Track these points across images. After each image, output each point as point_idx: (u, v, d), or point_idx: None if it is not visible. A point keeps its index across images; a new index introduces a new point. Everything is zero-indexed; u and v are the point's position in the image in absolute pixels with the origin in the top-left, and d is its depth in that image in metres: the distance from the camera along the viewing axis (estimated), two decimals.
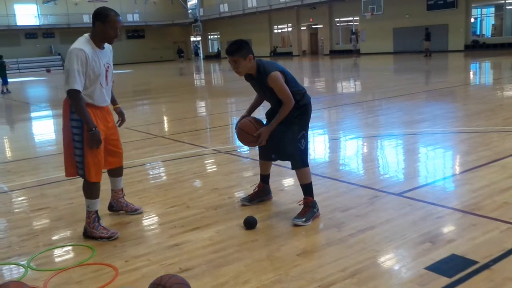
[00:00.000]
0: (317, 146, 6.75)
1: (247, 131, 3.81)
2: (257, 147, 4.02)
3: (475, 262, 2.90)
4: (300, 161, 3.75)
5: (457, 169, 4.86)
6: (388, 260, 3.03)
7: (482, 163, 5.00)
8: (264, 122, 3.89)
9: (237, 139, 3.99)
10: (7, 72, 20.34)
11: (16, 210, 4.49)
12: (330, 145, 6.69)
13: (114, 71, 3.81)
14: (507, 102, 9.75)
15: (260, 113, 4.09)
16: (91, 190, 3.61)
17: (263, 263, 3.08)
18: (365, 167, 5.41)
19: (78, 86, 3.36)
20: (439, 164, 5.39)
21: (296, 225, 3.61)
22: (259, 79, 3.69)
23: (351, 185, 4.60)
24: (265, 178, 4.17)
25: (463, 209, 3.76)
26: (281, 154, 3.87)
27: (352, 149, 6.47)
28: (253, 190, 4.21)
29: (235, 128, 3.92)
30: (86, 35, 3.53)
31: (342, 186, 4.59)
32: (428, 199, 4.07)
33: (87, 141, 3.44)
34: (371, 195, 4.25)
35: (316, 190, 4.41)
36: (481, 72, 18.73)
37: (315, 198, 4.12)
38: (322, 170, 5.20)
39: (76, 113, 3.42)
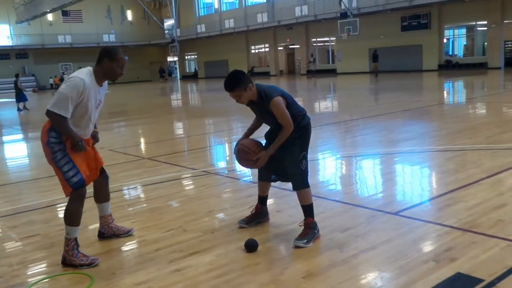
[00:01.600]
0: (310, 166, 6.73)
1: (246, 156, 3.78)
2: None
3: (480, 280, 2.91)
4: (301, 182, 3.74)
5: (449, 187, 4.91)
6: (394, 280, 3.01)
7: (472, 181, 5.07)
8: (264, 143, 3.88)
9: (236, 161, 3.96)
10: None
11: (3, 238, 4.33)
12: (321, 165, 6.70)
13: None
14: (486, 121, 9.97)
15: (260, 133, 4.07)
16: (72, 214, 3.52)
17: (269, 287, 3.03)
18: (358, 186, 5.42)
19: (68, 114, 3.41)
20: (430, 182, 5.45)
21: (297, 247, 3.57)
22: (260, 104, 3.68)
23: (347, 205, 4.60)
24: (263, 200, 4.14)
25: (461, 227, 3.79)
26: (282, 175, 3.86)
27: (342, 169, 6.49)
28: (251, 212, 4.16)
29: (234, 151, 3.89)
30: (90, 68, 3.55)
31: (337, 206, 4.58)
32: (425, 217, 4.10)
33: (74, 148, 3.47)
34: (368, 214, 4.25)
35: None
36: (456, 91, 19.18)
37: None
38: (317, 190, 5.18)
39: (62, 132, 3.42)
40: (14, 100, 21.24)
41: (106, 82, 3.71)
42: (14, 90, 20.90)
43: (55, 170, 3.54)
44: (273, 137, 3.73)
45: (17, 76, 21.57)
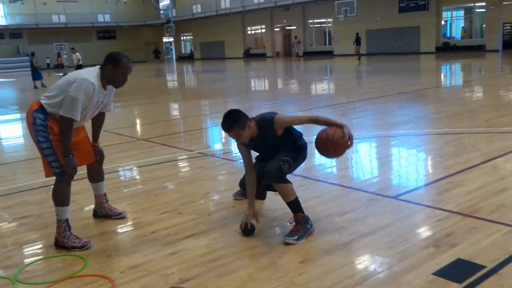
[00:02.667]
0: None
1: (340, 143, 3.51)
2: None
3: (482, 267, 2.86)
4: (276, 176, 3.47)
5: (449, 171, 4.85)
6: (394, 265, 2.96)
7: (472, 165, 5.02)
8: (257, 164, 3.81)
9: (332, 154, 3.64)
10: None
11: None
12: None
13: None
14: (485, 104, 9.90)
15: None
16: (60, 195, 3.46)
17: (266, 271, 2.98)
18: (356, 169, 5.36)
19: (78, 117, 3.34)
20: (429, 165, 5.40)
21: (287, 244, 3.34)
22: (263, 136, 3.52)
23: (345, 188, 4.55)
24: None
25: (462, 212, 3.74)
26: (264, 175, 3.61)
27: None
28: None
29: (320, 145, 3.58)
30: (98, 69, 3.46)
31: (335, 190, 4.52)
32: (425, 201, 4.04)
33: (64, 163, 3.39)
34: (366, 198, 4.19)
35: (310, 194, 4.37)
36: (453, 74, 19.09)
37: (311, 201, 4.07)
38: (313, 173, 5.13)
39: (60, 138, 3.35)
40: (31, 77, 21.95)
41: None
42: (30, 69, 21.86)
43: (38, 150, 3.49)
44: (268, 159, 3.63)
45: (32, 54, 22.39)
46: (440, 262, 2.94)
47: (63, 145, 3.35)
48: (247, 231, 3.51)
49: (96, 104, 3.51)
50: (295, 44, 35.68)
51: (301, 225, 3.45)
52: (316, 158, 6.02)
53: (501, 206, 3.81)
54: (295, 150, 3.64)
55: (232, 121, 3.41)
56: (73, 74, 3.45)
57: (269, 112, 3.66)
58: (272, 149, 3.60)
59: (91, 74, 3.41)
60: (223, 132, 3.92)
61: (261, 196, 4.07)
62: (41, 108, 3.43)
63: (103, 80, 3.46)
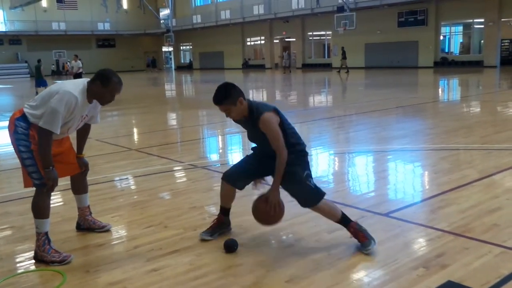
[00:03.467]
0: None
1: (264, 217, 3.42)
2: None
3: None
4: (315, 197, 3.39)
5: (442, 188, 4.76)
6: (383, 287, 2.85)
7: (466, 182, 4.93)
8: (253, 157, 3.63)
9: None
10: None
11: None
12: (313, 161, 6.50)
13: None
14: (482, 120, 9.83)
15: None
16: (40, 207, 3.36)
17: None
18: (347, 185, 5.27)
19: (57, 130, 3.25)
20: (423, 182, 5.31)
21: (369, 253, 3.27)
22: (251, 121, 3.35)
23: (336, 204, 4.42)
24: (226, 211, 3.75)
25: (454, 231, 3.64)
26: (299, 200, 3.48)
27: (332, 166, 6.34)
28: (212, 221, 3.78)
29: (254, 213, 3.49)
30: (85, 82, 3.37)
31: None
32: (416, 220, 3.94)
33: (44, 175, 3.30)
34: (357, 215, 4.08)
35: (300, 209, 4.19)
36: (451, 89, 19.06)
37: (299, 218, 3.99)
38: None
39: (39, 149, 3.27)
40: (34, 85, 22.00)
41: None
42: (29, 75, 22.06)
43: (19, 160, 3.39)
44: (263, 155, 3.48)
45: (39, 61, 22.13)
46: (429, 285, 2.83)
47: (42, 156, 3.26)
48: (229, 247, 3.39)
49: (79, 118, 3.42)
50: (285, 57, 35.18)
51: (363, 232, 3.38)
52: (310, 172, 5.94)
53: (494, 225, 3.72)
54: (299, 160, 3.39)
55: (224, 95, 3.26)
56: (57, 85, 3.36)
57: (267, 104, 3.41)
58: (267, 148, 3.35)
59: (76, 87, 3.31)
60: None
61: (227, 228, 3.82)
62: (23, 117, 3.35)
63: (89, 94, 3.36)
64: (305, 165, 3.43)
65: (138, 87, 26.98)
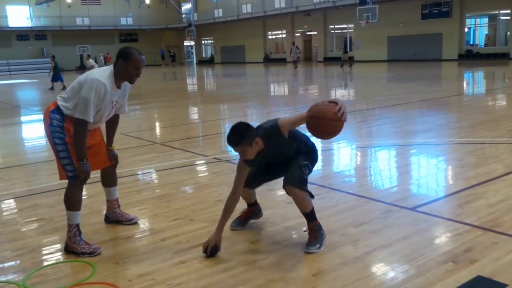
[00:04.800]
0: (323, 156, 6.57)
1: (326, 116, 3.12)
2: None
3: (503, 285, 2.72)
4: (298, 180, 3.31)
5: (470, 182, 4.69)
6: (410, 281, 2.83)
7: (494, 176, 4.85)
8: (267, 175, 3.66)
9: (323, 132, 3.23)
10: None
11: (8, 222, 4.24)
12: (336, 155, 6.52)
13: None
14: (509, 113, 9.64)
15: None
16: (72, 199, 3.43)
17: (277, 284, 2.88)
18: (373, 179, 5.23)
19: (91, 118, 3.30)
20: (449, 176, 5.24)
21: (309, 253, 3.26)
22: (273, 145, 3.28)
23: (361, 198, 4.42)
24: (253, 204, 3.81)
25: (482, 226, 3.59)
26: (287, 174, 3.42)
27: (358, 160, 6.30)
28: (242, 211, 3.83)
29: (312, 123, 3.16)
30: (112, 67, 3.42)
31: (351, 199, 4.41)
32: (444, 214, 3.90)
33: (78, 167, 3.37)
34: (383, 209, 4.07)
35: (325, 203, 4.27)
36: (476, 82, 18.73)
37: (325, 211, 3.99)
38: (330, 181, 5.02)
39: (75, 140, 3.33)
40: (50, 79, 22.44)
41: (127, 83, 3.56)
42: (52, 70, 22.38)
43: (54, 152, 3.46)
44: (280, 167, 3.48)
45: (53, 57, 22.64)
46: (458, 280, 2.81)
47: (77, 148, 3.32)
48: (209, 253, 3.28)
49: (110, 104, 3.46)
50: (293, 50, 32.26)
51: (317, 233, 3.36)
52: (333, 166, 5.93)
53: None
54: (308, 152, 3.46)
55: (240, 137, 3.18)
56: (85, 75, 3.42)
57: (268, 120, 3.38)
58: (284, 156, 3.42)
59: (102, 73, 3.37)
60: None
61: (258, 214, 3.87)
62: (58, 109, 3.41)
63: (117, 77, 3.41)
64: (311, 158, 3.46)
65: (160, 81, 27.22)
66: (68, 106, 3.37)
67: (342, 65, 30.70)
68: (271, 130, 3.27)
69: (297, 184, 3.31)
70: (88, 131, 3.39)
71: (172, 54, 51.11)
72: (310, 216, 3.41)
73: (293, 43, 35.24)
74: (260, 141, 3.22)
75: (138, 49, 3.45)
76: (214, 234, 3.36)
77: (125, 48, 3.46)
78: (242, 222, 3.81)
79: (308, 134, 3.34)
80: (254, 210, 3.83)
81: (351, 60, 31.17)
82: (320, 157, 6.14)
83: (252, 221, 3.86)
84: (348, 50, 31.54)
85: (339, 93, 16.17)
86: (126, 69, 3.38)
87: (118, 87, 3.48)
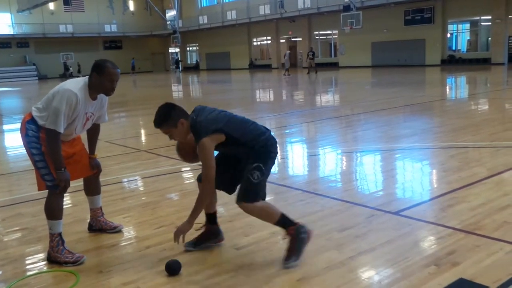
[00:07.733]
0: (307, 161, 6.61)
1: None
2: None
3: (485, 287, 2.76)
4: (242, 194, 3.13)
5: (452, 186, 4.75)
6: (395, 285, 2.85)
7: (476, 180, 4.92)
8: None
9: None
10: None
11: None
12: (321, 161, 6.55)
13: None
14: (490, 118, 9.78)
15: None
16: (53, 208, 3.39)
17: None
18: (358, 184, 5.27)
19: (61, 129, 3.26)
20: (432, 180, 5.30)
21: (290, 267, 3.13)
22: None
23: (346, 203, 4.45)
24: (212, 218, 3.52)
25: (464, 229, 3.64)
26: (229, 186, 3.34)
27: (343, 165, 6.34)
28: (200, 228, 3.52)
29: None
30: (86, 79, 3.37)
31: (336, 204, 4.43)
32: (427, 218, 3.95)
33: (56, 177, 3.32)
34: (367, 214, 4.10)
35: (310, 208, 4.29)
36: (459, 87, 18.98)
37: (310, 217, 4.00)
38: (315, 187, 5.05)
39: (49, 151, 3.30)
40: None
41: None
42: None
43: (32, 163, 3.43)
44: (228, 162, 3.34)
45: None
46: (441, 282, 2.84)
47: (52, 158, 3.30)
48: (171, 270, 3.11)
49: (84, 116, 3.42)
50: (286, 57, 31.90)
51: (295, 240, 3.18)
52: (319, 171, 5.96)
53: (504, 223, 3.71)
54: (258, 154, 3.15)
55: (162, 118, 3.10)
56: (58, 86, 3.38)
57: (212, 122, 3.10)
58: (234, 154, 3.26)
59: (75, 84, 3.33)
60: None
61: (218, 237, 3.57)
62: (33, 120, 3.38)
63: (91, 89, 3.37)
64: (263, 159, 3.16)
65: (146, 88, 27.11)
66: (42, 116, 3.33)
67: (309, 72, 30.79)
68: (195, 136, 3.10)
69: (242, 199, 3.15)
70: (60, 141, 3.32)
71: (177, 59, 50.55)
72: (281, 224, 3.23)
73: (286, 52, 34.65)
74: (185, 123, 3.11)
75: (113, 62, 3.38)
76: (185, 223, 3.20)
77: (100, 61, 3.39)
78: (196, 242, 3.49)
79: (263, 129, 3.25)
80: (212, 229, 3.52)
81: (316, 67, 31.27)
82: (305, 162, 6.18)
83: (240, 227, 3.85)
84: (314, 57, 31.36)
85: (324, 99, 16.26)
86: (100, 83, 3.33)
87: (94, 98, 3.43)
